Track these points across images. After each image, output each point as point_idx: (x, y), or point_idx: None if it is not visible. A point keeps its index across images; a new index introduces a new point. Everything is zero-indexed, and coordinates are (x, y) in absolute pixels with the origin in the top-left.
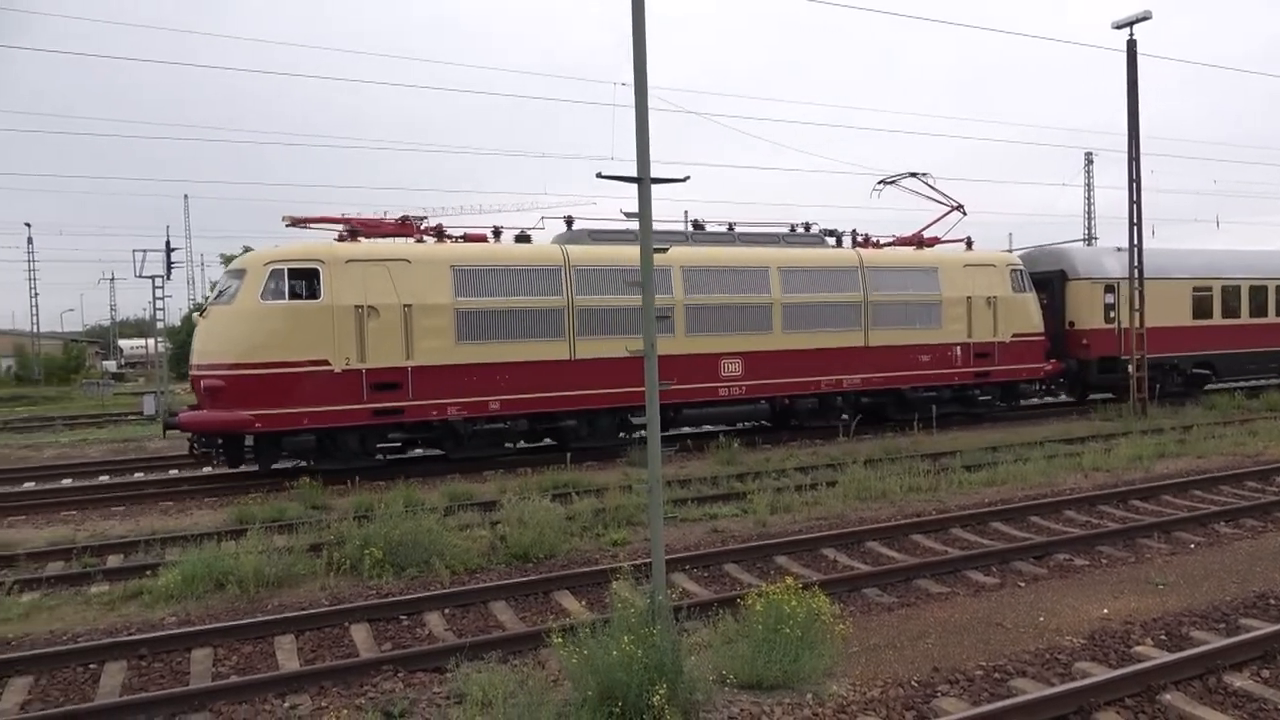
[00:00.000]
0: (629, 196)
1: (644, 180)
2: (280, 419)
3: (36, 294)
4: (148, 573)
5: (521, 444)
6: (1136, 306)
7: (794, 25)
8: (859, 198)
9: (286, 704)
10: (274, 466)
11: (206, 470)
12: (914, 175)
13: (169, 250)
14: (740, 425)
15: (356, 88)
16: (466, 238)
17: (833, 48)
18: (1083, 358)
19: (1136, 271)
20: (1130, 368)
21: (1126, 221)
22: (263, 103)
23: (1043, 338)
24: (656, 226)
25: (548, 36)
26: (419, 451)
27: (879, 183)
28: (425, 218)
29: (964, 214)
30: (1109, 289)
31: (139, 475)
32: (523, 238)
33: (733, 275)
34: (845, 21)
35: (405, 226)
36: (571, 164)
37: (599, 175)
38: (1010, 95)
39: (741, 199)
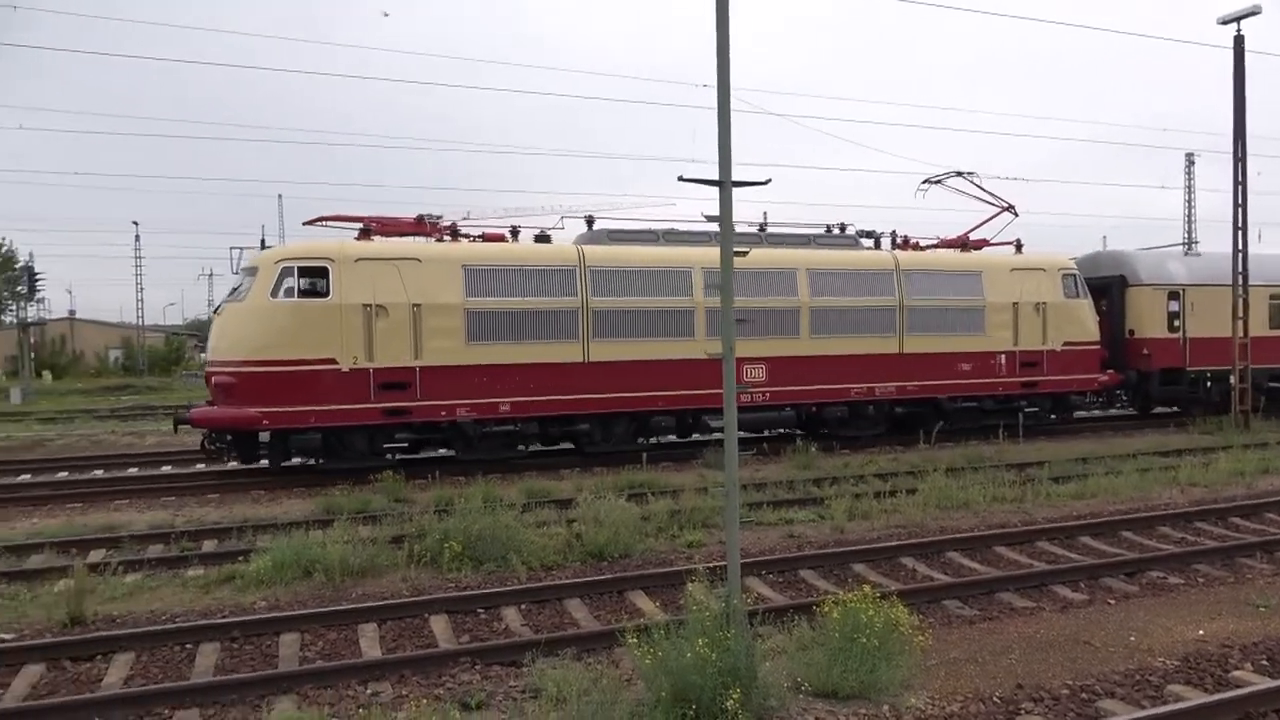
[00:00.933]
0: (709, 199)
1: (725, 183)
2: (287, 417)
3: (142, 289)
4: (240, 558)
5: (536, 447)
6: (1240, 315)
7: (883, 21)
8: (943, 199)
9: (369, 690)
10: (284, 464)
11: (296, 461)
12: (960, 175)
13: (264, 247)
14: (770, 432)
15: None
16: (485, 237)
17: (924, 46)
18: (1143, 369)
19: (1240, 278)
20: (1233, 379)
21: (1230, 225)
22: (372, 110)
23: (1098, 347)
24: (680, 227)
25: (637, 41)
26: (442, 451)
27: (924, 182)
28: (440, 216)
29: (1015, 215)
30: (1173, 296)
31: (232, 464)
32: (542, 238)
33: (757, 277)
34: (938, 18)
35: (421, 225)
36: (649, 165)
37: (680, 179)
38: (1107, 94)
39: (821, 200)
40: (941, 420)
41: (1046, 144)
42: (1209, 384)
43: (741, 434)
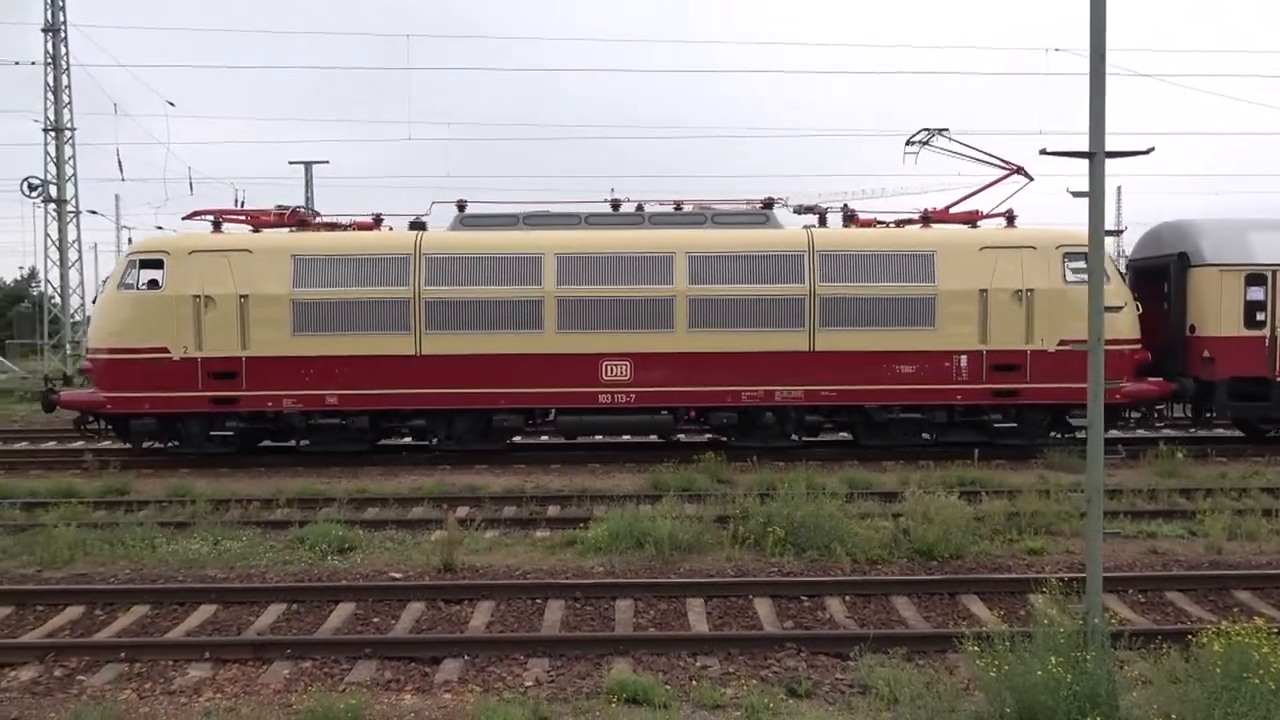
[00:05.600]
0: (1071, 174)
1: (1097, 155)
2: (127, 402)
3: None
4: (580, 525)
5: (415, 442)
6: None
7: None
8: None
9: (698, 663)
10: (145, 445)
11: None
12: (938, 133)
13: None
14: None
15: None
16: (356, 226)
17: None
18: (1203, 377)
19: None
20: None
21: None
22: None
23: (1131, 347)
24: (570, 210)
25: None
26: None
27: (907, 143)
28: (303, 207)
29: (1029, 178)
30: (1255, 280)
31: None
32: (417, 224)
33: (621, 262)
34: None
35: (285, 216)
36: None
37: (1043, 152)
38: None
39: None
40: (871, 432)
41: None
42: None
43: (600, 439)
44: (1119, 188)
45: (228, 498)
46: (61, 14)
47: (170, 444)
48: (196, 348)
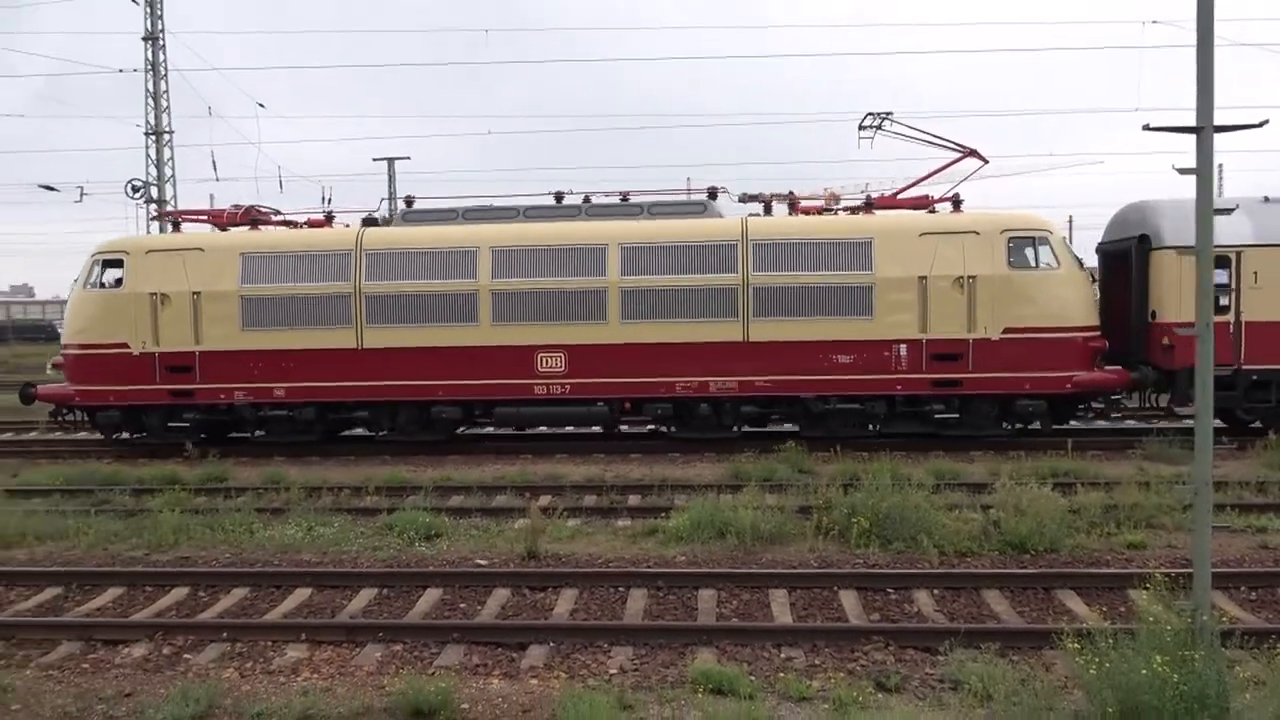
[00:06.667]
0: (1178, 150)
1: (1205, 129)
2: (93, 394)
3: None
4: (661, 514)
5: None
6: None
7: None
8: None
9: (782, 655)
10: (116, 436)
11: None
12: (885, 116)
13: None
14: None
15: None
16: (310, 224)
17: None
18: (1164, 365)
19: None
20: None
21: None
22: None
23: (1082, 334)
24: (511, 203)
25: None
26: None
27: (860, 129)
28: (259, 206)
29: (984, 161)
30: (1217, 262)
31: (649, 427)
32: (370, 220)
33: (556, 254)
34: None
35: (239, 215)
36: (1075, 120)
37: (1146, 128)
38: None
39: None
40: (811, 423)
41: None
42: None
43: (543, 430)
44: (1220, 165)
45: (319, 485)
46: (160, 23)
47: (136, 434)
48: (154, 343)
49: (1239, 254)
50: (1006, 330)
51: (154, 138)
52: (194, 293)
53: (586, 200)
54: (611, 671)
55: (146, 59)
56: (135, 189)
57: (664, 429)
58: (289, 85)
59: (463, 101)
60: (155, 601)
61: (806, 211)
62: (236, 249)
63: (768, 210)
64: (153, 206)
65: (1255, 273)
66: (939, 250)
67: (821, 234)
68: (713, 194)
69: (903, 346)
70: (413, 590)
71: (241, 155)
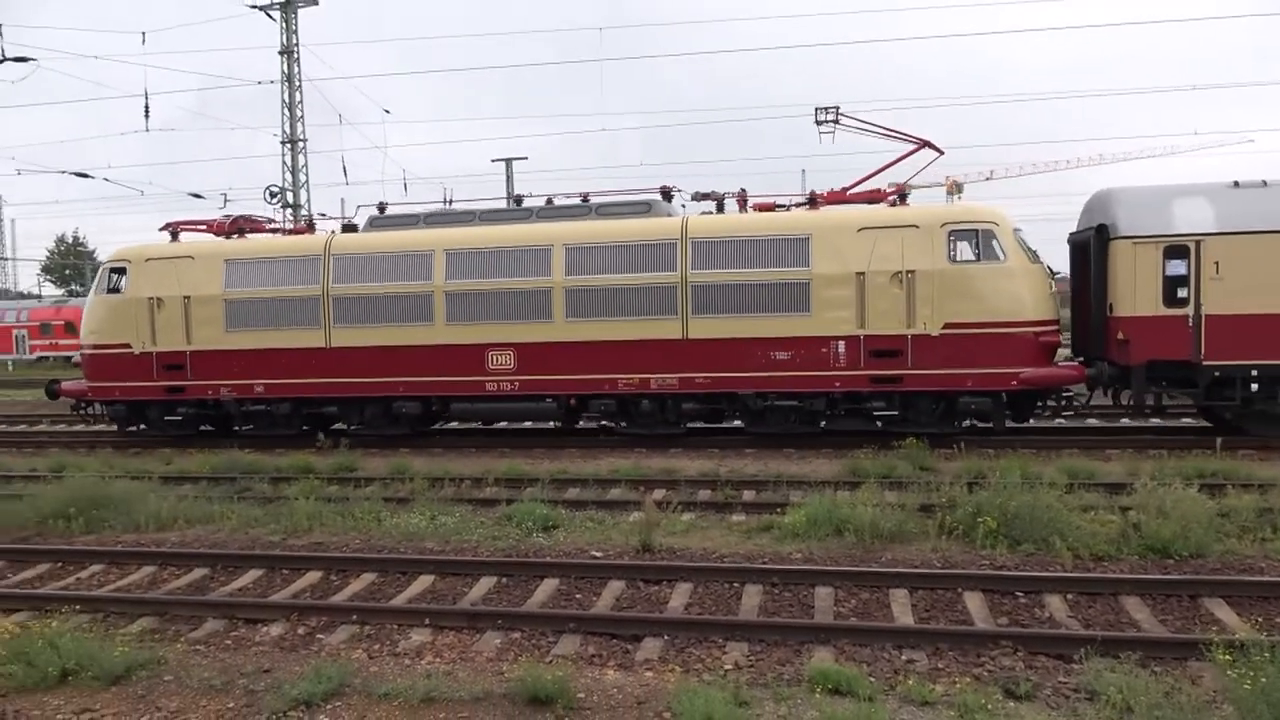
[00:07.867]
0: None
1: None
2: (103, 390)
3: None
4: (777, 510)
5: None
6: None
7: None
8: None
9: (903, 657)
10: (129, 429)
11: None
12: (834, 111)
13: None
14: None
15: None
16: (295, 232)
17: None
18: (1119, 360)
19: None
20: None
21: None
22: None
23: (1032, 329)
24: (469, 207)
25: None
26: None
27: (817, 123)
28: (247, 215)
29: (940, 152)
30: (1176, 252)
31: (602, 423)
32: (349, 227)
33: (505, 256)
34: None
35: (226, 224)
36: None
37: None
38: None
39: None
40: (753, 420)
41: None
42: (1254, 386)
43: (486, 426)
44: None
45: (441, 476)
46: (295, 37)
47: (140, 426)
48: (152, 343)
49: (1198, 243)
50: (947, 326)
51: (289, 145)
52: (185, 297)
53: (549, 203)
54: (726, 667)
55: (282, 71)
56: (273, 194)
57: (611, 424)
58: (413, 89)
59: (578, 101)
60: (291, 584)
61: (758, 209)
62: (220, 256)
63: (720, 208)
64: (289, 211)
65: (1216, 263)
66: (877, 245)
67: (760, 231)
68: (666, 194)
69: (840, 343)
70: (531, 580)
71: (370, 160)
